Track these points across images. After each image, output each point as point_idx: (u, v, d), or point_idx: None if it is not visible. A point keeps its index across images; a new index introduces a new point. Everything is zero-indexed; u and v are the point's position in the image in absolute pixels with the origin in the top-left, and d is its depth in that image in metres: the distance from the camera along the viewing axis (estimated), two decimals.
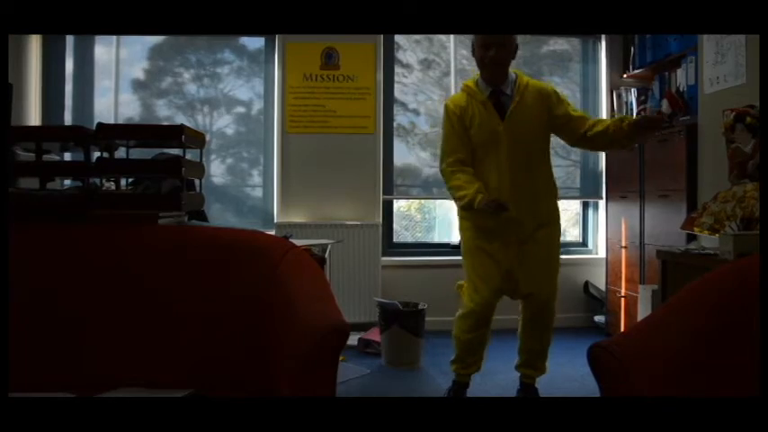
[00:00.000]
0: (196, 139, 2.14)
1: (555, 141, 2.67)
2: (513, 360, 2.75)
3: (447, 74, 4.54)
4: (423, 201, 4.69)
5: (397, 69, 4.50)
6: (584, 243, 4.72)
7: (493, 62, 2.47)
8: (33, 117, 4.09)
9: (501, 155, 2.49)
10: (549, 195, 2.62)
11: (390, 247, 4.46)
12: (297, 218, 4.26)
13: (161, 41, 4.36)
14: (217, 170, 4.42)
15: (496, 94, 2.52)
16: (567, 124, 2.53)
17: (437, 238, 4.72)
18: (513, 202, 2.42)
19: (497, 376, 3.04)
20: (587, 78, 4.64)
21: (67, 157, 2.42)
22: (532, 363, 2.68)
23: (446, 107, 2.60)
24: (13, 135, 1.99)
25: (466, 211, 2.56)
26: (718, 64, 3.09)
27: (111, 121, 4.15)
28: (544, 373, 2.70)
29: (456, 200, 2.55)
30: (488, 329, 2.62)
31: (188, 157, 2.06)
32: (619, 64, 4.48)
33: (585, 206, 4.73)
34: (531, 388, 2.68)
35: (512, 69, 2.58)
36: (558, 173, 2.65)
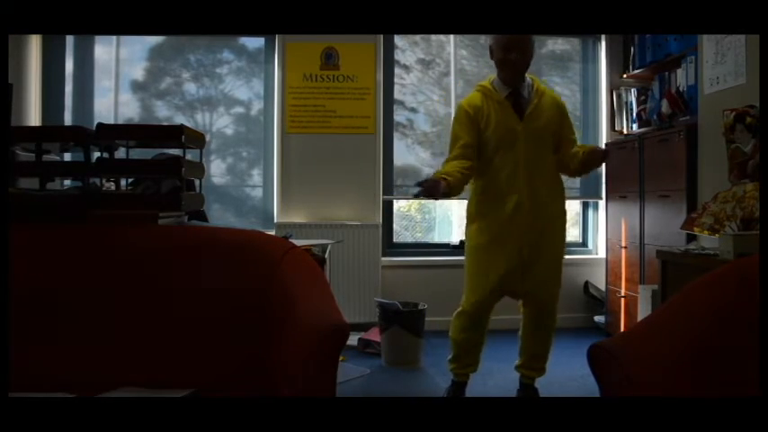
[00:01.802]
0: (196, 139, 2.14)
1: None
2: (513, 360, 2.75)
3: (447, 74, 4.54)
4: (423, 201, 4.69)
5: (397, 70, 4.50)
6: (584, 243, 4.72)
7: (514, 64, 2.49)
8: (33, 117, 4.10)
9: (518, 154, 2.50)
10: (559, 196, 2.64)
11: (390, 247, 4.46)
12: (297, 218, 4.26)
13: (161, 42, 4.36)
14: (217, 170, 4.42)
15: (514, 94, 2.54)
16: (560, 142, 2.60)
17: (437, 238, 4.72)
18: (526, 201, 2.48)
19: (497, 376, 3.04)
20: (587, 78, 4.64)
21: (67, 157, 2.42)
22: (533, 365, 2.69)
23: (459, 106, 2.61)
24: (13, 135, 2.00)
25: (477, 207, 2.58)
26: (718, 64, 3.09)
27: (111, 122, 4.16)
28: (544, 374, 2.71)
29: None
30: (484, 331, 2.62)
31: (188, 157, 2.07)
32: (619, 64, 4.48)
33: (585, 206, 4.73)
34: (530, 388, 2.69)
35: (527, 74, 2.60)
36: None
